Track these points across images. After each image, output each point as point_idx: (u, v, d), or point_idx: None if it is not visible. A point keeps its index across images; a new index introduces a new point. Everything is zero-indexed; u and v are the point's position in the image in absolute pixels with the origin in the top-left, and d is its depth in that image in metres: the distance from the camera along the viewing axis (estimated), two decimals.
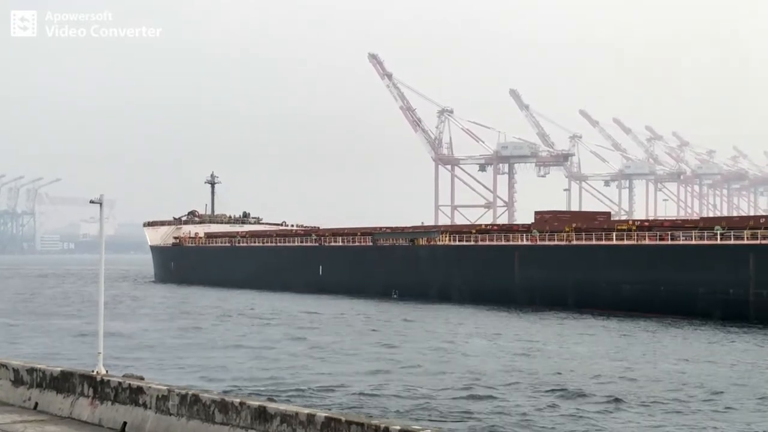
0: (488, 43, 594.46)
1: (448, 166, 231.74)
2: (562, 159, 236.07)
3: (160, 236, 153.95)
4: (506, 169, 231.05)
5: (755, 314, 66.60)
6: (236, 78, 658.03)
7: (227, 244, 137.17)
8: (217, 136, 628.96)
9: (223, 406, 17.34)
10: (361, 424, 14.93)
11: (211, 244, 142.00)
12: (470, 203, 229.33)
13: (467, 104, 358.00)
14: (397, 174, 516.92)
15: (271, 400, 18.90)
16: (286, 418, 16.14)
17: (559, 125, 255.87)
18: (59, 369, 21.86)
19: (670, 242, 76.40)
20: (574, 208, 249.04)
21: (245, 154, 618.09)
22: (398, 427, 14.39)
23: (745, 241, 70.01)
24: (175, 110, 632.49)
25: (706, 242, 73.27)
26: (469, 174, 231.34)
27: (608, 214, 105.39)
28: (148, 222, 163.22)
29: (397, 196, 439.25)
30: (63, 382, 21.25)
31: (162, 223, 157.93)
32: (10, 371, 22.84)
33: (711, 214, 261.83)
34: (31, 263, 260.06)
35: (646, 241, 78.33)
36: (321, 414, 15.75)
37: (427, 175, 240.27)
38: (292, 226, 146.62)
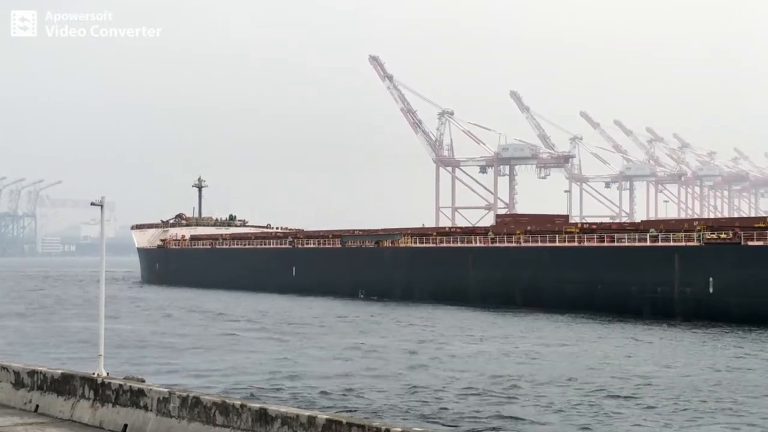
0: (488, 44, 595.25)
1: (449, 168, 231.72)
2: (562, 161, 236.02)
3: (147, 239, 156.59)
4: (507, 171, 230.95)
5: (680, 311, 70.52)
6: (236, 79, 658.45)
7: (208, 247, 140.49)
8: (218, 137, 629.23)
9: (224, 408, 17.37)
10: (362, 426, 14.94)
11: (193, 247, 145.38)
12: (471, 205, 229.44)
13: (468, 106, 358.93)
14: (398, 176, 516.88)
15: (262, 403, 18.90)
16: (287, 420, 16.16)
17: (559, 127, 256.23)
18: (60, 371, 21.93)
19: (605, 244, 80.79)
20: (575, 209, 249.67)
21: (245, 155, 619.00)
22: (399, 429, 14.40)
23: (671, 243, 74.47)
24: (176, 111, 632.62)
25: (637, 244, 77.69)
26: (469, 176, 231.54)
27: (566, 217, 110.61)
28: (136, 225, 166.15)
29: (399, 197, 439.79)
30: (64, 385, 21.31)
31: (149, 226, 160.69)
32: (11, 374, 22.89)
33: (712, 216, 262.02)
34: (35, 265, 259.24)
35: (585, 243, 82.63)
36: (322, 416, 15.77)
37: (428, 177, 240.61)
38: (277, 228, 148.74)
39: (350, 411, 31.66)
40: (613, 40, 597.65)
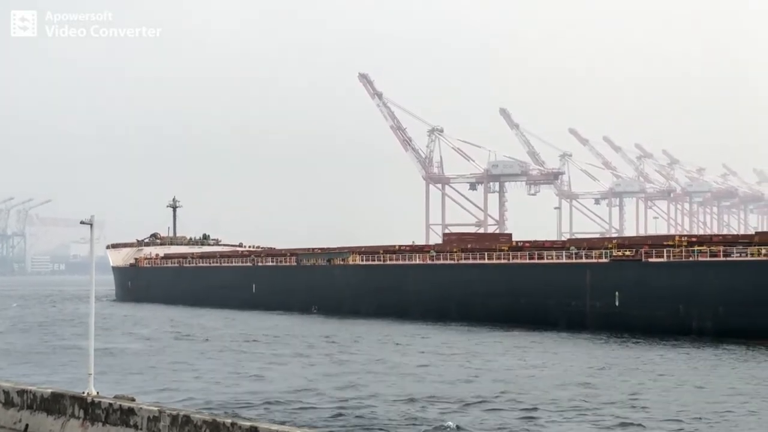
0: (477, 62, 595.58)
1: (439, 185, 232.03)
2: (552, 177, 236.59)
3: (122, 257, 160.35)
4: (497, 188, 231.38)
5: (591, 323, 75.32)
6: (225, 98, 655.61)
7: (176, 265, 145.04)
8: (209, 153, 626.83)
9: (215, 427, 17.34)
10: None
11: (163, 265, 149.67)
12: (461, 222, 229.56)
13: (457, 123, 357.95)
14: (388, 193, 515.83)
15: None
16: None
17: (549, 144, 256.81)
18: (50, 390, 21.86)
19: (527, 261, 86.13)
20: (565, 226, 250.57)
21: (236, 171, 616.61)
22: None
23: (583, 260, 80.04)
24: (170, 126, 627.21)
25: (554, 261, 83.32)
26: (459, 193, 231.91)
27: (509, 235, 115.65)
28: (112, 244, 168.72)
29: (389, 215, 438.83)
30: (54, 404, 21.25)
31: (124, 245, 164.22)
32: (0, 393, 22.77)
33: (701, 232, 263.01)
34: (27, 284, 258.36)
35: (511, 261, 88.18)
36: None
37: (418, 194, 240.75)
38: (250, 247, 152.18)
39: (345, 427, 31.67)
40: (600, 57, 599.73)
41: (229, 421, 17.27)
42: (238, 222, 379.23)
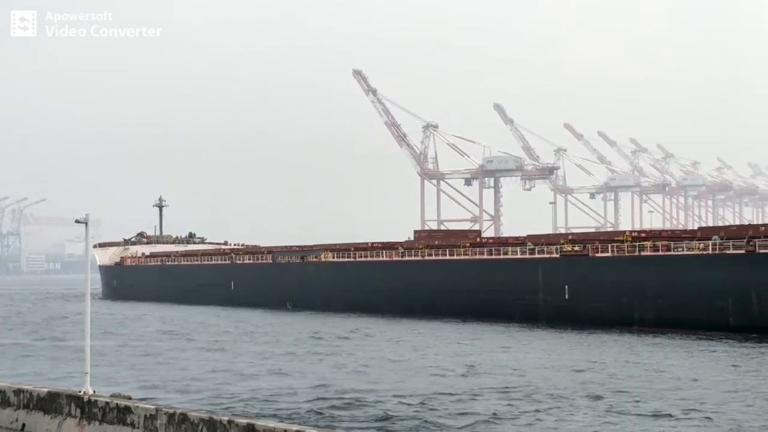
0: (471, 58, 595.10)
1: (434, 181, 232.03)
2: (547, 172, 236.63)
3: (109, 256, 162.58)
4: (492, 183, 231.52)
5: (543, 316, 78.62)
6: (223, 98, 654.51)
7: (159, 263, 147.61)
8: (204, 153, 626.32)
9: (211, 425, 17.29)
10: None
11: (146, 263, 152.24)
12: (456, 218, 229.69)
13: (452, 119, 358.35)
14: (383, 189, 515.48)
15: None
16: None
17: (543, 139, 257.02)
18: (46, 390, 21.79)
19: (485, 257, 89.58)
20: (560, 221, 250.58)
21: (229, 173, 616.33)
22: None
23: (536, 256, 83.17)
24: (165, 130, 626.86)
25: (510, 256, 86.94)
26: (454, 188, 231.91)
27: (478, 232, 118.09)
28: (99, 243, 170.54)
29: (384, 211, 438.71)
30: (50, 403, 21.19)
31: (111, 245, 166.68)
32: None
33: (696, 226, 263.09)
34: (21, 284, 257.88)
35: (470, 256, 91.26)
36: (310, 431, 15.72)
37: (413, 190, 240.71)
38: (235, 245, 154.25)
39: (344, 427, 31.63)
40: (594, 53, 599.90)
41: (225, 418, 17.25)
42: (236, 220, 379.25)
